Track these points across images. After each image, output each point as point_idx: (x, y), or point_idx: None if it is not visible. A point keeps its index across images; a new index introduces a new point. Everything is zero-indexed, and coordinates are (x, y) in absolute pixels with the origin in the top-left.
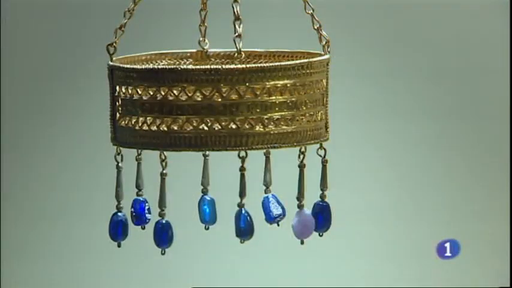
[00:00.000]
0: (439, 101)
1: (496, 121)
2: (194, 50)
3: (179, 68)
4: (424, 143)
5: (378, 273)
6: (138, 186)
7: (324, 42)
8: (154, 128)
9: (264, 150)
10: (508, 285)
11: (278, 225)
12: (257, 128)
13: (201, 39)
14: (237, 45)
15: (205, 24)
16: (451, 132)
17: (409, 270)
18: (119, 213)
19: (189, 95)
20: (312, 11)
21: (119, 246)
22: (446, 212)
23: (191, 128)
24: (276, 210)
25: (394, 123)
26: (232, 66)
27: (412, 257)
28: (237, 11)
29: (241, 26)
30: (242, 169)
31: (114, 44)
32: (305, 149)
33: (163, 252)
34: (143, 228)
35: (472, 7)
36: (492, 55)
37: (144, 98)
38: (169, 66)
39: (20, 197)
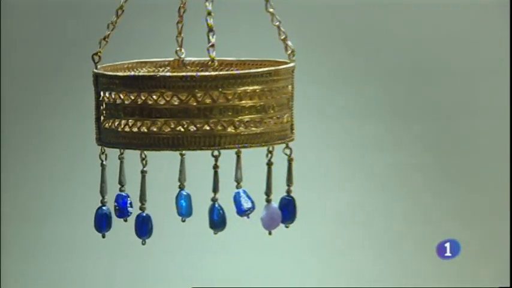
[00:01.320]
0: (439, 101)
1: (496, 121)
2: (172, 59)
3: (158, 75)
4: (424, 142)
5: (377, 273)
6: (121, 183)
7: (289, 52)
8: (135, 129)
9: (236, 150)
10: (508, 285)
11: (248, 217)
12: (229, 129)
13: (177, 48)
14: (211, 54)
15: (182, 35)
16: (451, 131)
17: (409, 270)
18: (103, 207)
19: (167, 99)
20: (278, 23)
21: (103, 237)
22: (446, 212)
23: (169, 129)
24: (246, 204)
25: (394, 123)
26: (206, 73)
27: (412, 257)
28: (210, 23)
29: (214, 36)
30: (215, 167)
31: (98, 53)
32: (272, 148)
33: (143, 242)
34: (125, 220)
35: (472, 7)
36: (492, 55)
37: (126, 102)
38: (149, 74)
39: (13, 195)
